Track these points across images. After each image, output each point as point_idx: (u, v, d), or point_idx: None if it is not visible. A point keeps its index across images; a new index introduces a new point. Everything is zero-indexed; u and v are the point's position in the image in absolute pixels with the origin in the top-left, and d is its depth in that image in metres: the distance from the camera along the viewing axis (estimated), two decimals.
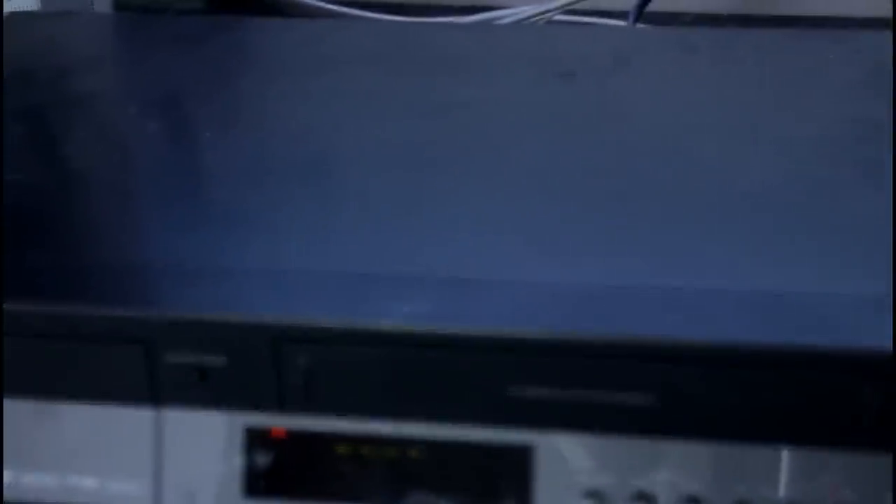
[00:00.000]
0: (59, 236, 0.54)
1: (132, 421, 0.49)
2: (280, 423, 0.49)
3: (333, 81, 0.67)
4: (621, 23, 0.87)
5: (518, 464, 0.48)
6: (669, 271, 0.49)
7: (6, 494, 0.50)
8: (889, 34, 0.70)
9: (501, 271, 0.49)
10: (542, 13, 0.90)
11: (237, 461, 0.49)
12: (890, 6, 0.82)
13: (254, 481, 0.49)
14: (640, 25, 0.86)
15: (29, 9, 0.81)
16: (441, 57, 0.71)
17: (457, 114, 0.63)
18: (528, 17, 0.90)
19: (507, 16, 0.90)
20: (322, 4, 0.89)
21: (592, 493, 0.48)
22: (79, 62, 0.71)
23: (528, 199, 0.55)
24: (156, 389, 0.49)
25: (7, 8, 0.77)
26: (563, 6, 0.89)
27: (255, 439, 0.49)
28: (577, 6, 0.89)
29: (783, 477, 0.47)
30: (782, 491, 0.47)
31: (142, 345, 0.48)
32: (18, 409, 0.50)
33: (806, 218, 0.53)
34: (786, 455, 0.47)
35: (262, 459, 0.49)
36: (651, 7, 0.87)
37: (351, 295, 0.48)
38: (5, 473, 0.50)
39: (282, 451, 0.49)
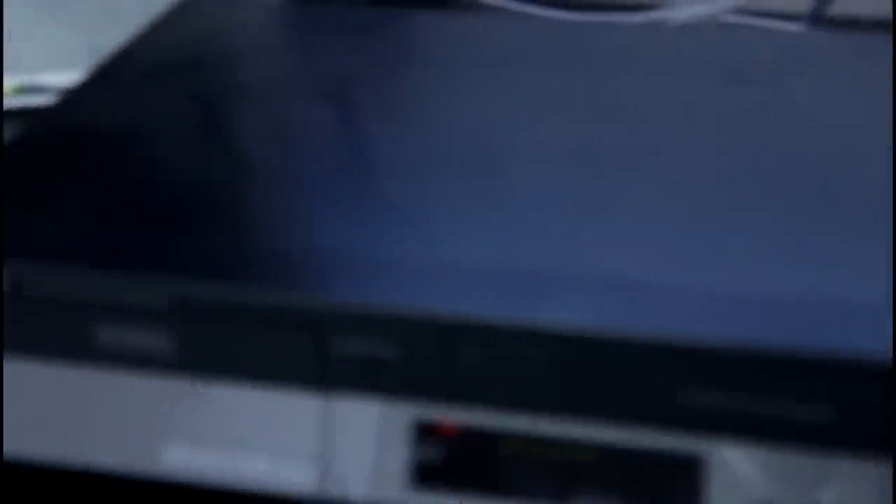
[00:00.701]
0: (233, 221, 0.54)
1: (301, 407, 0.50)
2: (448, 416, 0.49)
3: (500, 77, 0.67)
4: (795, 26, 0.85)
5: (687, 472, 0.47)
6: (849, 282, 0.48)
7: (176, 474, 0.51)
8: None
9: (676, 275, 0.49)
10: (713, 13, 0.89)
11: (404, 453, 0.49)
12: None
13: (420, 475, 0.49)
14: (814, 30, 0.84)
15: None
16: (609, 56, 0.70)
17: (624, 114, 0.63)
18: (698, 17, 0.89)
19: (676, 15, 0.89)
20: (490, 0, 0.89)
21: None
22: (247, 50, 0.72)
23: (702, 203, 0.55)
24: (325, 377, 0.49)
25: None
26: (734, 7, 0.88)
27: (423, 432, 0.49)
28: (750, 7, 0.88)
29: None
30: None
31: (313, 332, 0.48)
32: (191, 390, 0.51)
33: None
34: None
35: (429, 453, 0.49)
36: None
37: (523, 291, 0.48)
38: (176, 451, 0.51)
39: (449, 446, 0.49)
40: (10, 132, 0.61)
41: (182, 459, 0.51)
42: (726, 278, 0.48)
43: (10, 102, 0.82)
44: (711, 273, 0.49)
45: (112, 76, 0.68)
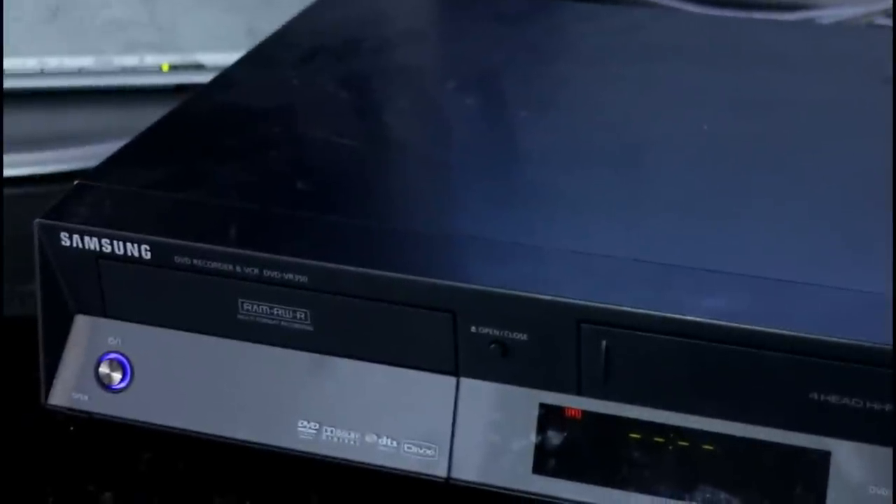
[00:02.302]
0: (376, 203, 0.55)
1: (432, 387, 0.51)
2: (575, 403, 0.50)
3: (649, 71, 0.67)
4: None
5: (813, 469, 0.47)
6: None
7: (307, 448, 0.52)
8: None
9: (812, 275, 0.49)
10: (865, 14, 0.88)
11: (529, 438, 0.50)
12: None
13: (544, 459, 0.50)
14: None
15: None
16: (759, 53, 0.70)
17: (771, 112, 0.62)
18: (850, 18, 0.88)
19: (828, 15, 0.88)
20: None
21: None
22: (400, 36, 0.73)
23: (847, 202, 0.54)
24: (458, 358, 0.50)
25: None
26: (886, 9, 0.87)
27: (549, 417, 0.50)
28: None
29: None
30: None
31: (448, 314, 0.49)
32: (325, 366, 0.52)
33: None
34: None
35: (555, 438, 0.50)
36: None
37: (656, 284, 0.48)
38: (309, 426, 0.52)
39: (574, 432, 0.50)
40: (163, 109, 0.63)
41: (312, 435, 0.52)
42: (865, 280, 0.48)
43: (166, 79, 0.84)
44: (849, 274, 0.49)
45: (267, 58, 0.69)
